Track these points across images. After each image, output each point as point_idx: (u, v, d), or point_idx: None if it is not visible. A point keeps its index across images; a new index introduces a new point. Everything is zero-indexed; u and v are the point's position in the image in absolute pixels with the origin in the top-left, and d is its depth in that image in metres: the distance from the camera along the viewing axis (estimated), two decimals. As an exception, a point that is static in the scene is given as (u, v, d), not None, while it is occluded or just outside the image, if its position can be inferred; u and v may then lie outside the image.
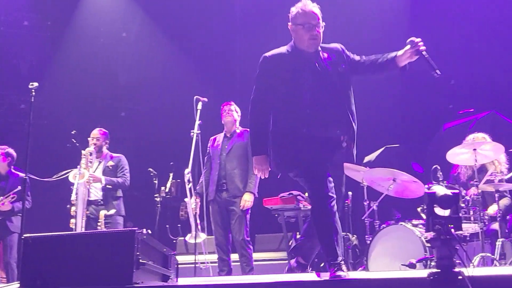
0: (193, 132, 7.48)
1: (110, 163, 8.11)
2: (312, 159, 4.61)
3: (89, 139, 8.05)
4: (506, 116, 9.69)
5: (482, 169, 7.37)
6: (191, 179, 7.38)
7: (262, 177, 4.95)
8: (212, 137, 8.05)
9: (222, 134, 8.01)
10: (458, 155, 7.17)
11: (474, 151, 6.96)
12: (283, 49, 4.83)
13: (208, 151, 7.93)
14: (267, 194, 8.17)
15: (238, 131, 7.94)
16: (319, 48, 4.77)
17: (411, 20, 10.35)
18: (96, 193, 7.95)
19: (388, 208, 7.75)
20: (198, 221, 7.49)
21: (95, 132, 8.14)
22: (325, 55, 4.77)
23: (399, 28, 9.90)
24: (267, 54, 4.83)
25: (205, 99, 7.59)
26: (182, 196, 8.99)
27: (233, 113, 7.92)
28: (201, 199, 7.67)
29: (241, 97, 9.93)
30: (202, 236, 7.54)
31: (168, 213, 9.90)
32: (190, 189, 7.42)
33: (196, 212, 7.50)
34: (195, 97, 7.58)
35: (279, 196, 7.66)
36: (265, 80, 4.81)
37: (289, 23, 4.80)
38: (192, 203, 7.51)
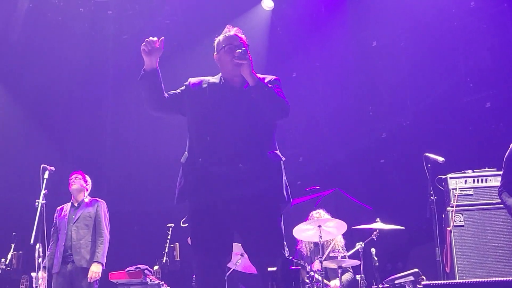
0: (38, 201, 7.19)
1: None
2: (197, 212, 4.42)
3: None
4: (348, 193, 10.14)
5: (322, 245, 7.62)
6: (41, 254, 7.02)
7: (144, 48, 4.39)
8: (59, 207, 7.81)
9: (69, 204, 7.80)
10: (304, 231, 7.38)
11: (319, 227, 7.19)
12: (209, 77, 4.63)
13: (54, 221, 7.66)
14: (114, 267, 7.96)
15: (86, 200, 7.79)
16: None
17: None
18: None
19: (235, 282, 7.79)
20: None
21: None
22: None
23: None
24: (192, 78, 4.65)
25: (52, 168, 7.34)
26: (24, 269, 8.56)
27: (80, 181, 7.77)
28: (48, 273, 7.36)
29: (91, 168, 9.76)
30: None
31: (7, 287, 9.36)
32: (39, 264, 7.05)
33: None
34: (41, 166, 7.31)
35: (125, 270, 7.47)
36: (180, 91, 4.62)
37: (214, 54, 4.62)
38: (39, 278, 7.16)
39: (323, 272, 7.05)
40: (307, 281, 6.94)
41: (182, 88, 4.65)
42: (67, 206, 7.90)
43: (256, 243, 4.38)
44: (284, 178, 4.47)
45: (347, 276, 7.72)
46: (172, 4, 10.68)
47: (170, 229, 8.03)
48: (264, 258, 4.25)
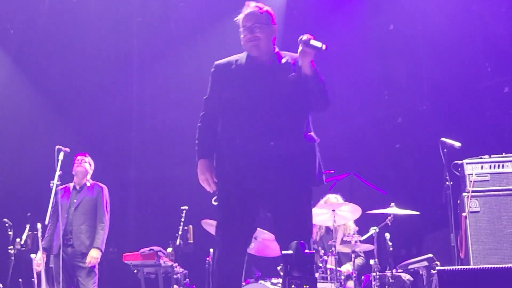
0: (52, 182, 7.21)
1: None
2: (226, 188, 4.42)
3: None
4: (364, 178, 10.11)
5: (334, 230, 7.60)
6: (40, 235, 7.07)
7: (208, 189, 4.49)
8: (61, 187, 7.83)
9: (71, 185, 7.84)
10: (318, 216, 7.36)
11: (333, 212, 7.18)
12: (235, 56, 4.64)
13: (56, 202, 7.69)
14: (127, 249, 7.99)
15: (88, 184, 7.82)
16: (274, 54, 4.56)
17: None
18: None
19: (248, 266, 7.78)
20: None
21: None
22: (278, 61, 4.52)
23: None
24: (218, 61, 4.66)
25: (67, 149, 7.35)
26: (38, 249, 8.62)
27: (85, 164, 7.80)
28: (47, 254, 7.42)
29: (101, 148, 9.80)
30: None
31: (23, 266, 9.41)
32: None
33: (42, 268, 7.19)
34: (56, 147, 7.34)
35: (139, 252, 7.50)
36: (213, 90, 4.61)
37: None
38: (39, 259, 7.21)
39: (337, 257, 7.04)
40: (321, 265, 6.94)
41: (213, 81, 4.64)
42: (68, 188, 7.92)
43: (282, 226, 4.38)
44: (318, 160, 4.46)
45: (359, 261, 7.71)
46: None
47: (184, 211, 8.04)
48: (288, 242, 4.21)
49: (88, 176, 7.93)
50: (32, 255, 7.17)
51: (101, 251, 7.59)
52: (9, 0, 10.47)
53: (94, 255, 7.51)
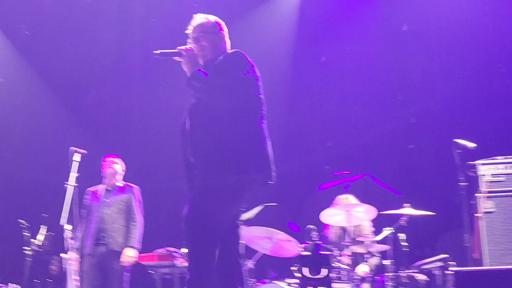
0: (67, 184, 7.10)
1: None
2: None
3: None
4: (378, 179, 10.10)
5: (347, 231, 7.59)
6: (72, 235, 7.01)
7: None
8: (91, 189, 7.86)
9: (101, 186, 7.85)
10: (332, 216, 7.38)
11: (347, 212, 7.18)
12: None
13: (86, 203, 7.72)
14: (143, 249, 8.02)
15: (120, 184, 7.84)
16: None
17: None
18: None
19: (264, 266, 7.80)
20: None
21: None
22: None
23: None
24: None
25: (84, 151, 7.26)
26: (55, 249, 8.64)
27: (115, 165, 7.82)
28: (79, 254, 7.45)
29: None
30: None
31: (38, 267, 9.48)
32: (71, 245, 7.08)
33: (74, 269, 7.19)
34: (70, 148, 7.25)
35: (155, 253, 7.54)
36: None
37: None
38: (71, 259, 7.16)
39: (353, 257, 7.04)
40: (335, 264, 6.94)
41: None
42: (100, 189, 7.93)
43: None
44: (223, 163, 4.39)
45: (375, 261, 7.71)
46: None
47: (198, 212, 8.05)
48: None
49: (119, 177, 7.94)
50: (63, 255, 7.07)
51: (137, 250, 7.58)
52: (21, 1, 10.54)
53: (130, 254, 7.47)
